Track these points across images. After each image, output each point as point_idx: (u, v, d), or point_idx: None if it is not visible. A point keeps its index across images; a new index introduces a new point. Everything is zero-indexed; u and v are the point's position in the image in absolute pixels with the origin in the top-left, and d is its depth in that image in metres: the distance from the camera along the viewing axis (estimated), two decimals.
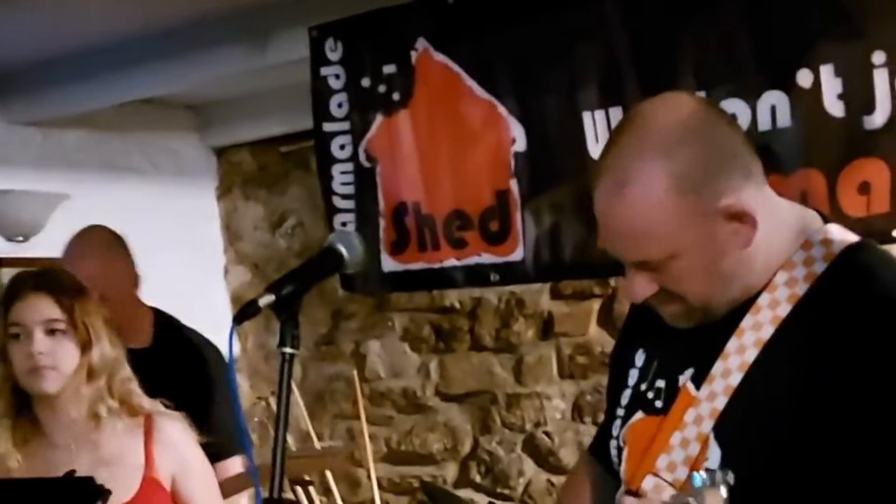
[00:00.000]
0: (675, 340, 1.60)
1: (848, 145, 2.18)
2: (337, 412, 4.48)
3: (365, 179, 2.95)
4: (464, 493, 4.10)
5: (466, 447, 4.15)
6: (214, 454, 2.43)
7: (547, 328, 3.91)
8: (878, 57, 2.11)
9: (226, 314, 4.60)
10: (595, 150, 2.53)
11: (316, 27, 2.94)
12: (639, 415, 1.63)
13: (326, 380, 4.49)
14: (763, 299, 1.51)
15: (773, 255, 1.52)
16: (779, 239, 1.53)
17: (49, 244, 3.35)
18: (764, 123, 2.25)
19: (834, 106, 2.18)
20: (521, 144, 2.67)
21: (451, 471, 4.20)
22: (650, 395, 1.62)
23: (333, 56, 2.93)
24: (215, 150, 4.74)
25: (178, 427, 2.33)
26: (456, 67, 2.74)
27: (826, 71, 2.18)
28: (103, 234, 2.81)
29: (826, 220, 1.60)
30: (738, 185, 1.48)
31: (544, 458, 3.94)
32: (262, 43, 3.11)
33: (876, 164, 2.15)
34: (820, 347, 1.45)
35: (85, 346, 2.24)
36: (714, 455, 1.49)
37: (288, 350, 1.60)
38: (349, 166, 2.98)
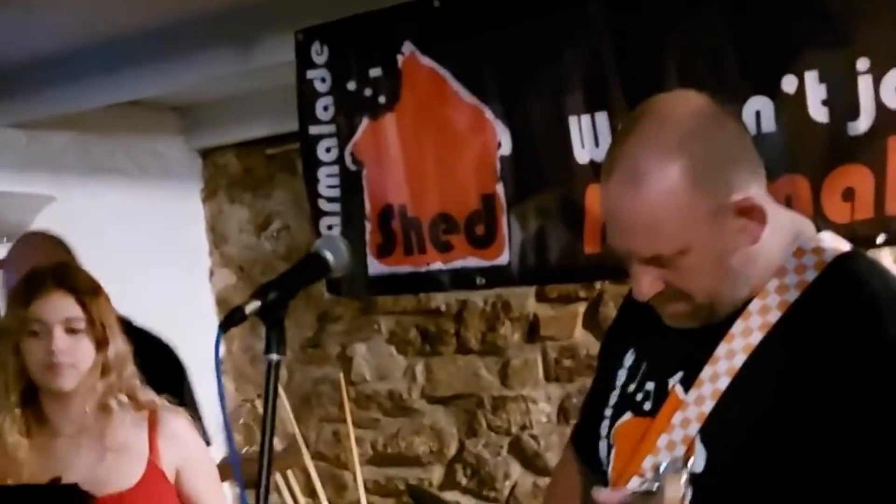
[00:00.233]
0: (666, 344, 1.61)
1: (832, 151, 2.18)
2: (323, 415, 4.47)
3: (351, 182, 2.95)
4: (450, 496, 4.10)
5: (452, 450, 4.16)
6: None
7: (533, 331, 3.92)
8: (863, 63, 2.12)
9: (211, 317, 4.59)
10: (581, 154, 2.54)
11: (302, 30, 2.94)
12: (627, 416, 1.65)
13: (312, 383, 4.49)
14: (754, 305, 1.53)
15: (772, 257, 1.54)
16: (778, 242, 1.55)
17: None
18: (749, 129, 2.26)
19: (818, 112, 2.19)
20: (507, 148, 2.67)
21: (437, 473, 4.20)
22: (639, 396, 1.64)
23: (319, 59, 2.93)
24: (200, 152, 4.73)
25: (183, 422, 2.38)
26: (442, 71, 2.74)
27: (811, 77, 2.18)
28: (49, 239, 2.83)
29: (819, 229, 1.61)
30: (747, 181, 1.50)
31: (530, 461, 3.95)
32: (249, 46, 3.10)
33: (860, 170, 2.15)
34: (807, 355, 1.47)
35: (100, 344, 2.30)
36: (700, 457, 1.51)
37: (274, 357, 1.60)
38: (335, 169, 2.98)
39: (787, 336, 1.50)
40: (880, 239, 2.15)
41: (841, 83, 2.15)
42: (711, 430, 1.51)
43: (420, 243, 2.84)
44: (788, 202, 2.18)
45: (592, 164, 2.50)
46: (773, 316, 1.51)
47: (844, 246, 1.57)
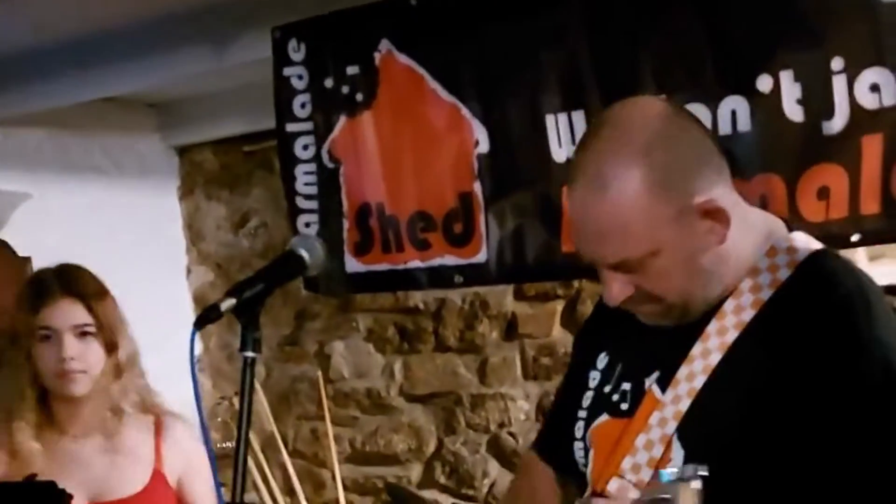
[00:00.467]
0: (641, 344, 1.62)
1: (807, 150, 2.19)
2: (301, 413, 4.46)
3: (328, 180, 2.95)
4: (428, 494, 4.10)
5: (431, 448, 4.15)
6: None
7: (511, 329, 3.92)
8: (837, 63, 2.13)
9: (188, 314, 4.57)
10: (558, 153, 2.54)
11: (279, 28, 2.93)
12: (603, 417, 1.65)
13: (290, 380, 4.48)
14: (728, 305, 1.54)
15: (744, 256, 1.55)
16: (748, 241, 1.56)
17: (11, 243, 3.32)
18: (724, 128, 2.27)
19: (793, 111, 2.20)
20: (484, 147, 2.68)
21: (415, 471, 4.20)
22: (615, 397, 1.64)
23: (296, 57, 2.92)
24: (177, 149, 4.69)
25: (186, 429, 2.39)
26: (420, 69, 2.74)
27: (786, 76, 2.20)
28: None
29: (791, 229, 1.62)
30: (710, 184, 1.51)
31: (508, 459, 3.95)
32: (225, 43, 3.09)
33: (835, 169, 2.16)
34: (782, 353, 1.48)
35: (110, 347, 2.31)
36: (678, 456, 1.52)
37: (249, 354, 1.60)
38: (312, 167, 2.97)
39: (761, 334, 1.51)
40: (855, 238, 2.17)
41: (815, 83, 2.16)
42: (688, 430, 1.52)
43: (398, 241, 2.84)
44: (764, 201, 2.20)
45: (570, 162, 2.50)
46: (748, 315, 1.52)
47: (816, 245, 1.59)
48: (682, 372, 1.54)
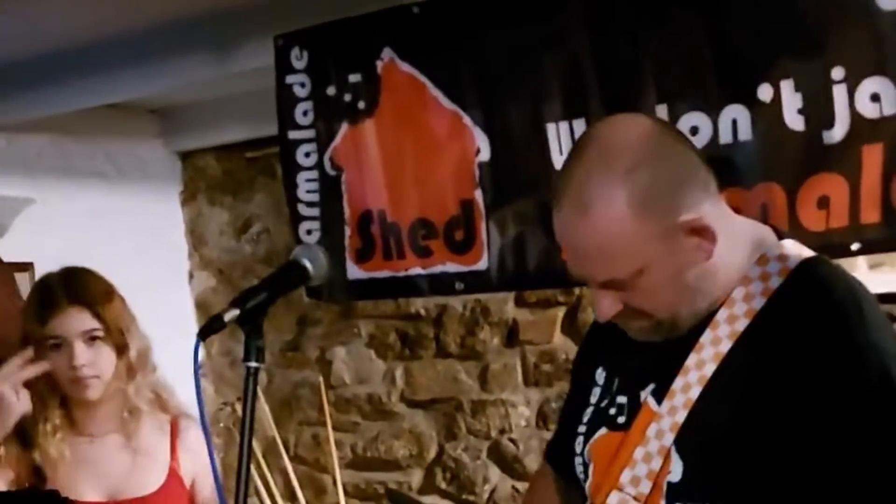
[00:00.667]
0: (635, 357, 1.63)
1: (807, 160, 2.19)
2: (302, 418, 4.47)
3: (330, 187, 2.95)
4: (429, 500, 4.11)
5: (432, 453, 4.16)
6: None
7: (512, 336, 3.93)
8: (838, 73, 2.14)
9: (190, 319, 4.58)
10: (559, 161, 2.54)
11: (281, 36, 2.94)
12: (602, 431, 1.66)
13: (292, 386, 4.49)
14: (721, 315, 1.54)
15: (733, 268, 1.55)
16: (738, 253, 1.56)
17: (13, 249, 3.33)
18: (725, 137, 2.27)
19: (794, 120, 2.20)
20: (485, 154, 2.68)
21: (416, 477, 4.21)
22: (612, 411, 1.65)
23: (299, 64, 2.93)
24: (180, 154, 4.71)
25: (197, 429, 2.41)
26: (421, 77, 2.75)
27: (786, 86, 2.20)
28: None
29: (780, 236, 1.63)
30: (696, 201, 1.51)
31: (509, 465, 3.96)
32: (228, 50, 3.10)
33: (835, 178, 2.17)
34: (776, 361, 1.48)
35: (121, 349, 2.33)
36: (676, 468, 1.52)
37: (253, 364, 1.61)
38: (314, 174, 2.98)
39: (755, 343, 1.51)
40: (855, 247, 2.17)
41: (816, 92, 2.17)
42: (686, 440, 1.53)
43: (399, 248, 2.84)
44: (764, 210, 2.20)
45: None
46: (741, 324, 1.53)
47: (807, 252, 1.59)
48: (678, 383, 1.54)
